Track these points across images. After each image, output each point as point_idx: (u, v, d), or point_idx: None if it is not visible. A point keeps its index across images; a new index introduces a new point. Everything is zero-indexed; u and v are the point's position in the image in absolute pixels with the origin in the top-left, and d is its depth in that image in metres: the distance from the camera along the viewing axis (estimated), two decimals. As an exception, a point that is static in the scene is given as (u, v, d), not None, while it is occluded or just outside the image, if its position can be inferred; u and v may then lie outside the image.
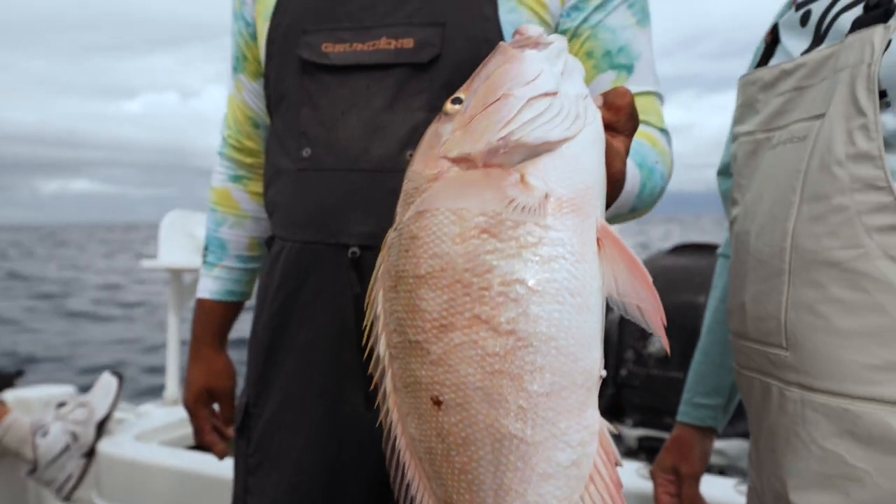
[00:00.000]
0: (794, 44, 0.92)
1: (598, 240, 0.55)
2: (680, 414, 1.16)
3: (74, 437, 2.11)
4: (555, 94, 0.57)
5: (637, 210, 0.95)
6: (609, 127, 0.60)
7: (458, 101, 0.61)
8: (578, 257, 0.54)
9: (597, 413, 0.53)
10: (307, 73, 1.02)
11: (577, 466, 0.52)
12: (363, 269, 0.96)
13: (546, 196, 0.55)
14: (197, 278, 1.38)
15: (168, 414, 2.41)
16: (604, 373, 0.53)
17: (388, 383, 0.58)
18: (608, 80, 1.00)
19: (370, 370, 0.59)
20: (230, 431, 1.25)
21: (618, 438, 2.48)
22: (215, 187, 1.30)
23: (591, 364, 0.53)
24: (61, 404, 2.23)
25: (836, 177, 0.76)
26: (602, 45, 1.00)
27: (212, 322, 1.27)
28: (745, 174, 0.94)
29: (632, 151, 0.85)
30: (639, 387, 2.37)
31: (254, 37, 1.15)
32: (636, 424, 2.39)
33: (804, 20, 0.90)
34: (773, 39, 0.97)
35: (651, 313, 0.53)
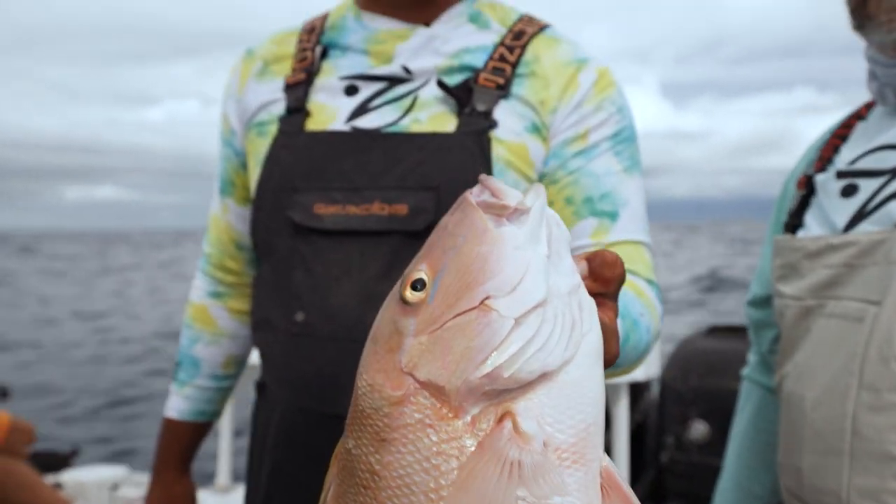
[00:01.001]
0: (837, 211, 0.94)
1: (601, 487, 0.48)
2: None
3: None
4: (545, 303, 0.49)
5: (618, 367, 0.87)
6: (596, 296, 0.53)
7: (420, 284, 0.52)
8: None
9: None
10: (300, 235, 1.00)
11: None
12: None
13: (545, 445, 0.47)
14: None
15: (220, 501, 2.46)
16: None
17: None
18: (589, 228, 0.96)
19: None
20: None
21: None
22: (193, 302, 1.25)
23: None
24: (115, 486, 2.30)
25: (892, 372, 0.81)
26: (582, 191, 0.97)
27: (177, 443, 1.23)
28: (794, 336, 0.96)
29: None
30: (681, 474, 2.33)
31: (243, 166, 1.14)
32: (679, 511, 2.34)
33: (847, 192, 0.93)
34: (808, 191, 1.00)
35: None
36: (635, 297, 0.90)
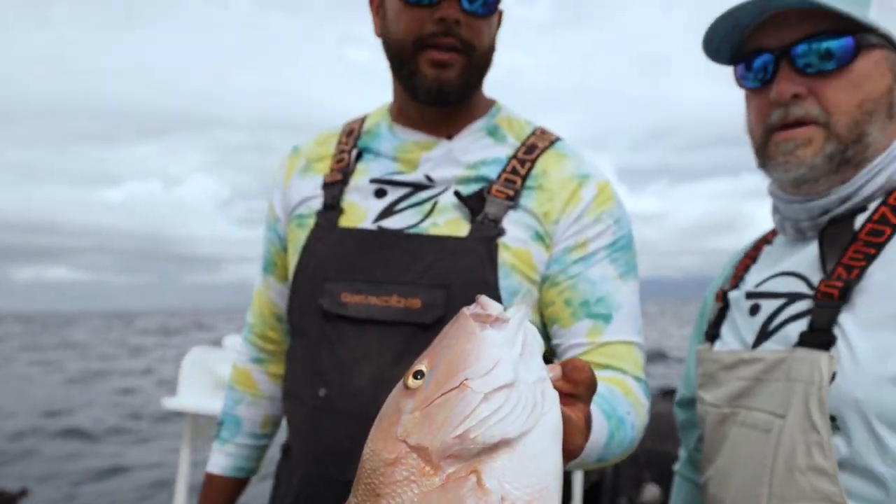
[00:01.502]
0: (743, 327, 1.06)
1: None
2: None
3: None
4: (512, 385, 0.59)
5: (604, 460, 0.94)
6: (567, 396, 0.61)
7: (419, 374, 0.63)
8: None
9: None
10: (327, 321, 1.11)
11: None
12: None
13: (502, 500, 0.56)
14: (211, 422, 1.42)
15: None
16: None
17: None
18: (584, 329, 1.05)
19: None
20: None
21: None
22: (238, 367, 1.38)
23: None
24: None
25: (799, 484, 0.89)
26: (580, 295, 1.06)
27: (218, 498, 1.33)
28: (714, 440, 1.05)
29: (602, 399, 0.91)
30: (634, 534, 2.43)
31: (284, 250, 1.26)
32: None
33: (753, 311, 1.04)
34: (724, 305, 1.13)
35: None
36: (623, 395, 0.99)
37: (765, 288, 1.06)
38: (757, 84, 1.03)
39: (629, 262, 1.11)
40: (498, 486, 0.57)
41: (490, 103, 1.21)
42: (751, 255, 1.17)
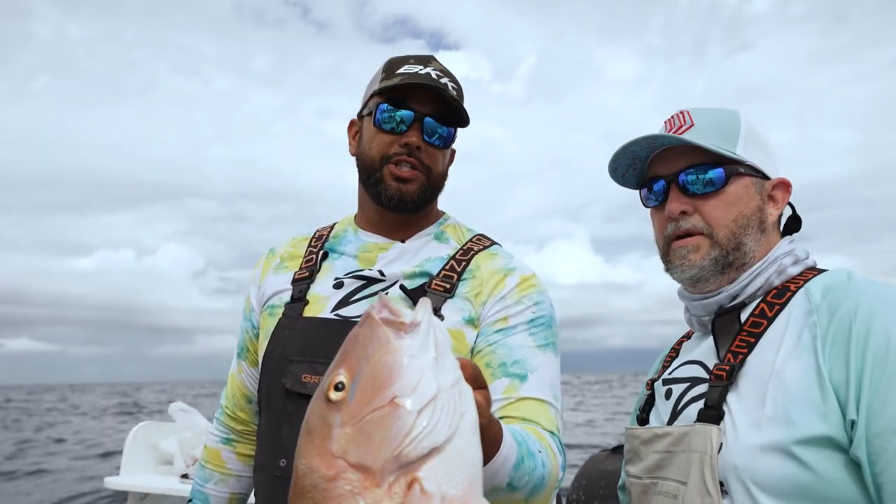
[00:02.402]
0: (663, 408, 1.23)
1: None
2: None
3: None
4: (436, 396, 0.65)
5: (515, 488, 1.02)
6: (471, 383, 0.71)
7: (340, 385, 0.68)
8: None
9: None
10: (289, 398, 1.27)
11: None
12: None
13: (442, 499, 0.63)
14: (155, 500, 1.50)
15: None
16: None
17: None
18: (501, 387, 1.19)
19: None
20: None
21: None
22: (209, 447, 1.55)
23: None
24: None
25: None
26: (499, 358, 1.22)
27: None
28: None
29: (515, 431, 1.02)
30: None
31: (256, 337, 1.45)
32: None
33: (668, 395, 1.23)
34: (651, 392, 1.31)
35: None
36: (535, 438, 1.11)
37: (675, 374, 1.25)
38: (656, 203, 1.26)
39: (548, 337, 1.28)
40: (436, 488, 0.63)
41: (440, 214, 1.47)
42: (675, 349, 1.37)
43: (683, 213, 1.19)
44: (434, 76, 1.32)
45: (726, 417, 1.07)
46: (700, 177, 1.18)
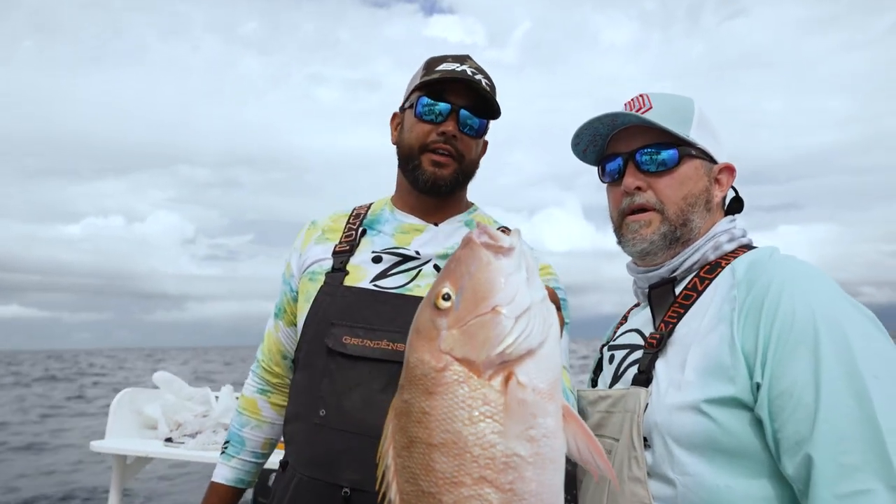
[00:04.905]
0: (607, 372, 1.36)
1: (563, 415, 0.79)
2: None
3: None
4: (530, 308, 0.79)
5: None
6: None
7: (447, 296, 0.81)
8: (555, 433, 0.77)
9: None
10: (330, 356, 1.42)
11: None
12: None
13: (534, 391, 0.76)
14: (140, 462, 1.84)
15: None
16: None
17: None
18: None
19: None
20: None
21: None
22: (245, 396, 1.71)
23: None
24: None
25: (624, 492, 1.17)
26: None
27: (220, 502, 1.61)
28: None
29: None
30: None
31: (295, 300, 1.60)
32: None
33: (610, 360, 1.37)
34: (601, 357, 1.43)
35: (605, 472, 0.80)
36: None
37: (619, 341, 1.39)
38: (612, 179, 1.36)
39: (566, 318, 1.43)
40: (529, 381, 0.78)
41: (470, 204, 1.64)
42: (625, 316, 1.50)
43: (638, 188, 1.30)
44: (469, 73, 1.50)
45: (654, 381, 1.20)
46: (654, 157, 1.29)
